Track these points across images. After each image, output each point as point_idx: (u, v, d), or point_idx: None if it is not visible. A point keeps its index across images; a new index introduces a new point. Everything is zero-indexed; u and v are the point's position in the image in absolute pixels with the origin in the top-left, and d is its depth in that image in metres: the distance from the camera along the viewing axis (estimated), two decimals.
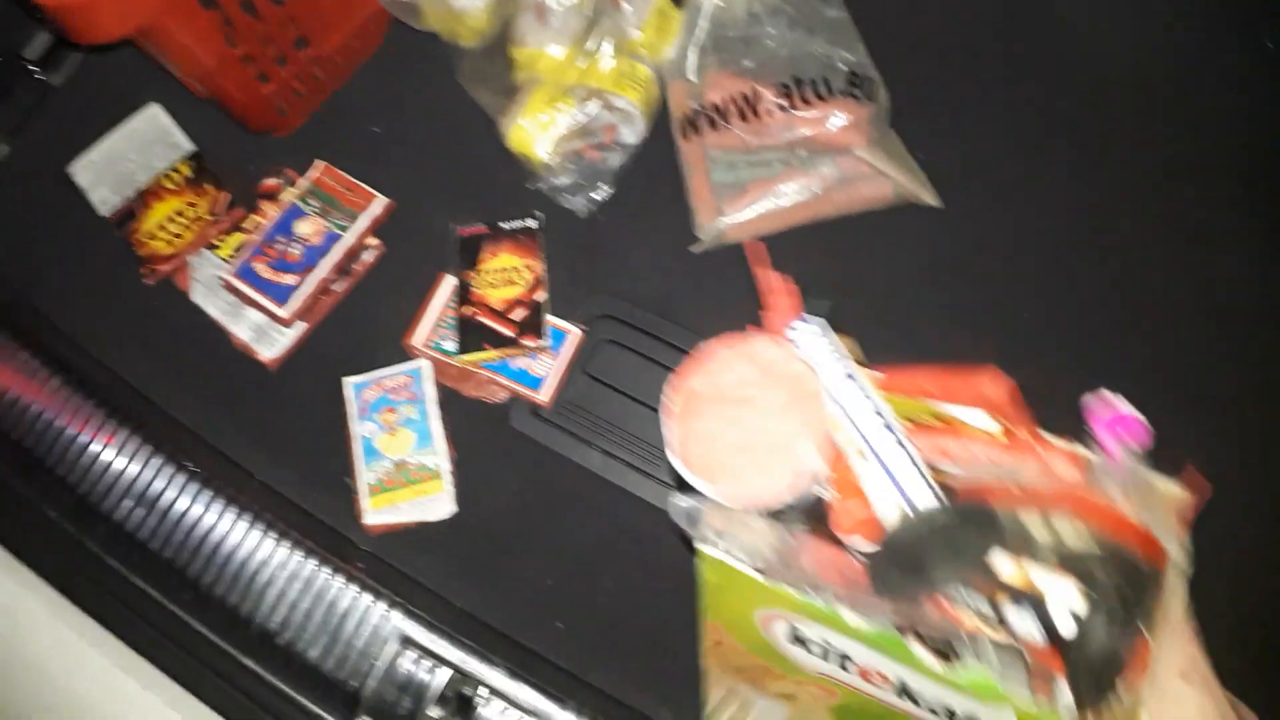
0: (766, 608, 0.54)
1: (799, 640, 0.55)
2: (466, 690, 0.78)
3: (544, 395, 0.89)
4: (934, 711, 0.53)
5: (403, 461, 0.86)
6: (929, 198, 0.92)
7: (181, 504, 0.83)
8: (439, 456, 0.86)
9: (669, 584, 0.83)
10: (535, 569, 0.85)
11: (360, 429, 0.87)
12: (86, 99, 1.01)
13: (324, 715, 0.78)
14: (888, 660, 0.52)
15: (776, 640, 0.56)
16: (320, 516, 0.85)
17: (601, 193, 0.95)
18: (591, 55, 0.95)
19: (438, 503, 0.85)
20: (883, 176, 0.91)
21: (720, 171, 0.94)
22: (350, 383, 0.89)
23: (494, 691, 0.77)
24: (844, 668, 0.54)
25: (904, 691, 0.53)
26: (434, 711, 0.78)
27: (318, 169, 0.95)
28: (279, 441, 0.89)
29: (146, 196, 0.95)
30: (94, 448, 0.84)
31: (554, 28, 0.96)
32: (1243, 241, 0.95)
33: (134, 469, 0.84)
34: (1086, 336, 0.92)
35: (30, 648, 0.81)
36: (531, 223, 0.93)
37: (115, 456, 0.84)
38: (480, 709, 0.77)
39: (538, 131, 0.93)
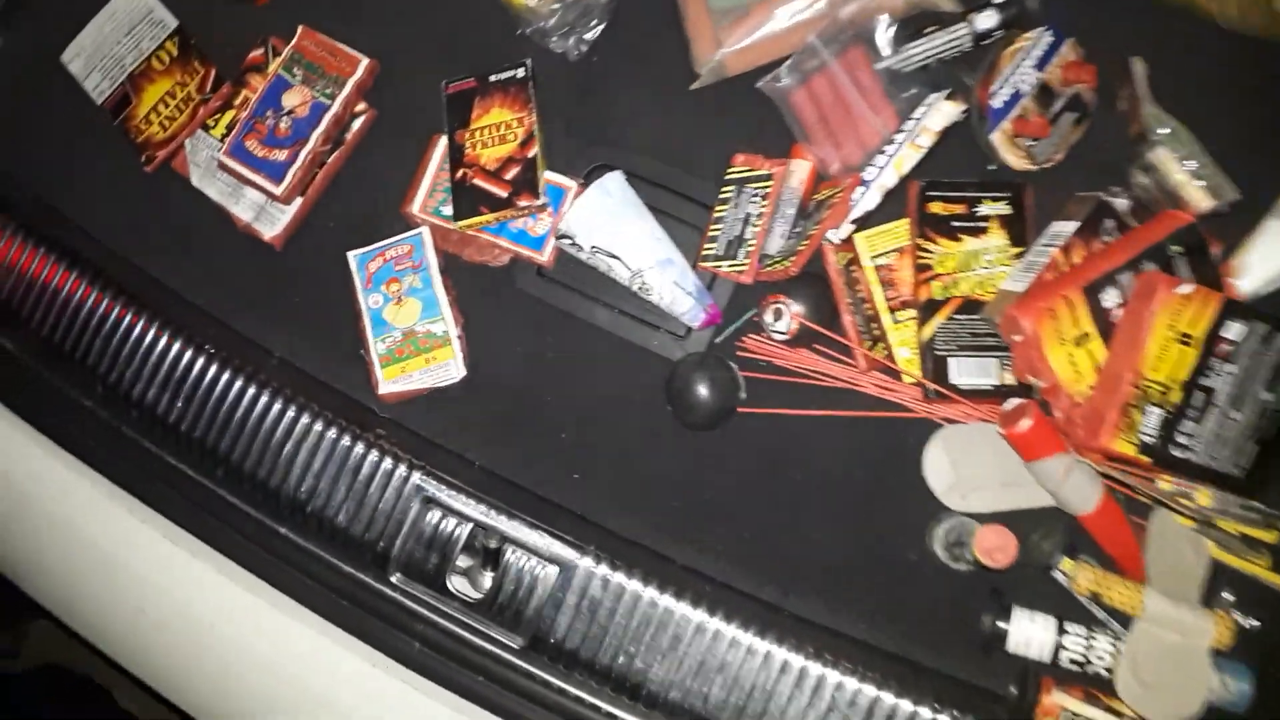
0: None
1: None
2: (491, 543, 0.80)
3: (546, 255, 0.87)
4: None
5: (411, 330, 0.86)
6: (945, 2, 0.84)
7: (205, 385, 0.85)
8: (446, 323, 0.86)
9: (679, 432, 0.84)
10: (549, 424, 0.86)
11: (367, 301, 0.88)
12: None
13: (359, 575, 0.82)
14: None
15: None
16: (338, 388, 0.87)
17: (592, 31, 0.90)
18: None
19: (448, 368, 0.86)
20: None
21: None
22: (354, 256, 0.89)
23: (514, 542, 0.79)
24: None
25: None
26: (462, 563, 0.81)
27: (299, 35, 0.92)
28: (292, 319, 0.90)
29: (138, 79, 0.94)
30: (117, 336, 0.86)
31: None
32: None
33: (158, 354, 0.86)
34: None
35: (85, 528, 0.86)
36: (520, 72, 0.88)
37: (139, 343, 0.86)
38: (503, 563, 0.80)
39: None
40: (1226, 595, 0.73)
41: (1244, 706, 0.71)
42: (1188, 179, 0.77)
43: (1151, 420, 0.69)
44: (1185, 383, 0.69)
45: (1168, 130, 0.78)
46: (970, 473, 0.76)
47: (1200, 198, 0.77)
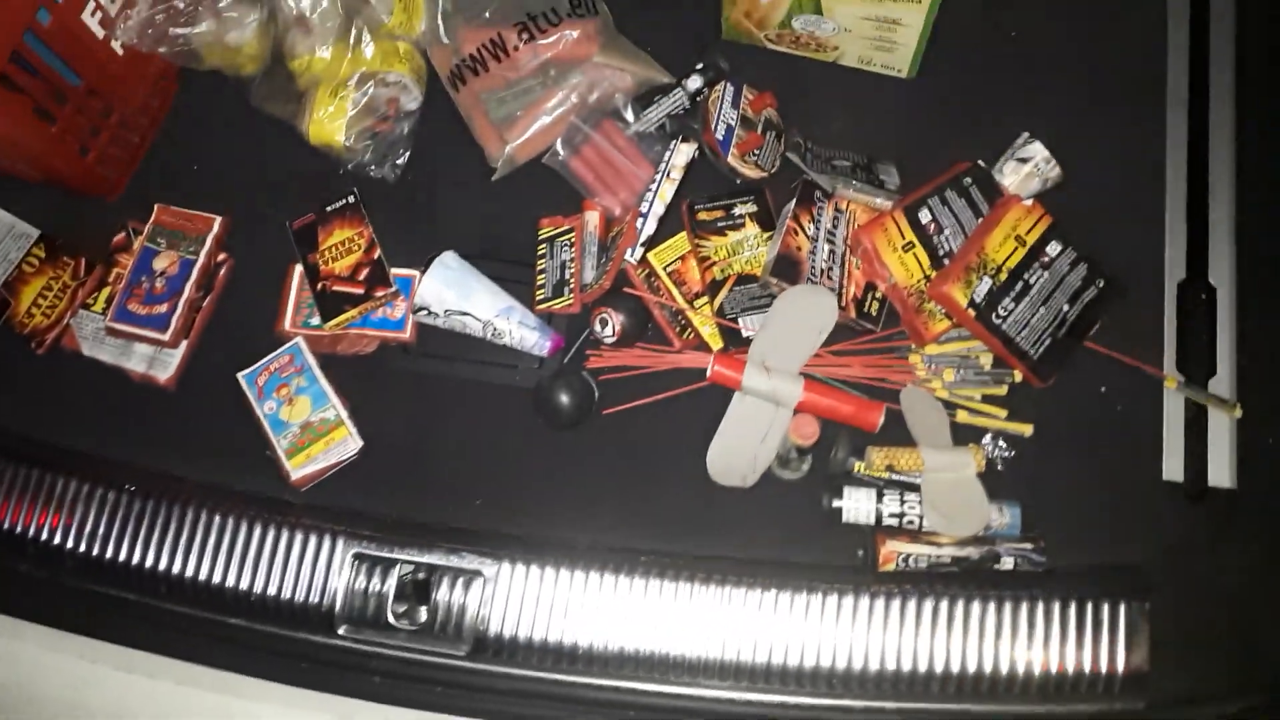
0: None
1: None
2: (420, 575, 0.93)
3: (407, 333, 1.05)
4: None
5: (307, 422, 1.00)
6: (662, 76, 1.10)
7: (135, 520, 0.94)
8: (336, 408, 1.01)
9: (554, 438, 1.01)
10: (444, 466, 1.01)
11: (263, 409, 1.02)
12: None
13: (310, 636, 0.93)
14: None
15: None
16: (257, 489, 0.99)
17: (402, 157, 1.11)
18: (356, 46, 1.10)
19: (346, 444, 1.00)
20: (621, 71, 1.09)
21: (494, 108, 1.10)
22: (243, 376, 1.03)
23: (439, 569, 0.92)
24: None
25: None
26: (399, 607, 0.93)
27: (156, 211, 1.08)
28: (200, 444, 1.02)
29: (13, 284, 1.07)
30: (43, 502, 0.95)
31: (317, 33, 1.10)
32: None
33: (83, 508, 0.95)
34: None
35: (39, 683, 0.93)
36: (351, 198, 1.08)
37: (66, 503, 0.95)
38: (435, 591, 0.92)
39: (331, 122, 1.08)
40: (985, 441, 0.97)
41: (1019, 529, 0.93)
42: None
43: (983, 287, 0.94)
44: (1012, 270, 0.96)
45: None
46: (741, 460, 0.96)
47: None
